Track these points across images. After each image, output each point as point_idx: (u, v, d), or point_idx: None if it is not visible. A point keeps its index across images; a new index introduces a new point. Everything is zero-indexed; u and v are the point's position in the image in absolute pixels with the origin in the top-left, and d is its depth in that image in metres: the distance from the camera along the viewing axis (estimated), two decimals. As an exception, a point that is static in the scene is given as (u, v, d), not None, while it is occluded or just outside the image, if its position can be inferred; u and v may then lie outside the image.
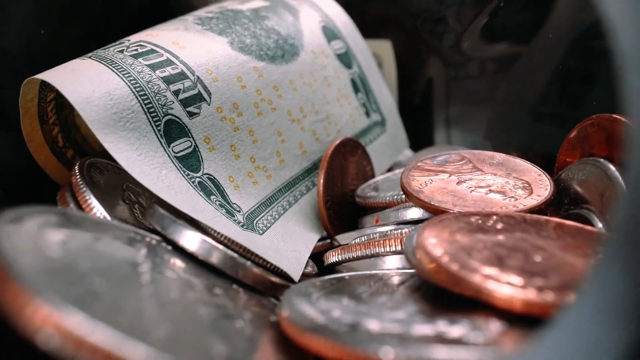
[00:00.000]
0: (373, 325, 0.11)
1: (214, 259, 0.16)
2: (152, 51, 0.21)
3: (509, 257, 0.14)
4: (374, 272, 0.17)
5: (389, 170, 0.30)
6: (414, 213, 0.21)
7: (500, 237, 0.16)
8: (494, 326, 0.11)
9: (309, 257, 0.22)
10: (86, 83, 0.19)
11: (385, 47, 0.37)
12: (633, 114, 0.08)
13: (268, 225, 0.22)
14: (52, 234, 0.11)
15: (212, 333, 0.11)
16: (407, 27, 0.37)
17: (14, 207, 0.17)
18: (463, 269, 0.13)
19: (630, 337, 0.07)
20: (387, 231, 0.20)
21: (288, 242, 0.21)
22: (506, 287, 0.13)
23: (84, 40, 0.33)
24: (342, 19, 0.31)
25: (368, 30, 0.37)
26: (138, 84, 0.20)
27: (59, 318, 0.08)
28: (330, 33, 0.29)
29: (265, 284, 0.16)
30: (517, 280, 0.13)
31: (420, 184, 0.21)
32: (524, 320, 0.12)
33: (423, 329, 0.11)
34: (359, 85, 0.30)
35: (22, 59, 0.29)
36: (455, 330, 0.11)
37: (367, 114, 0.30)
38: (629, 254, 0.08)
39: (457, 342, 0.11)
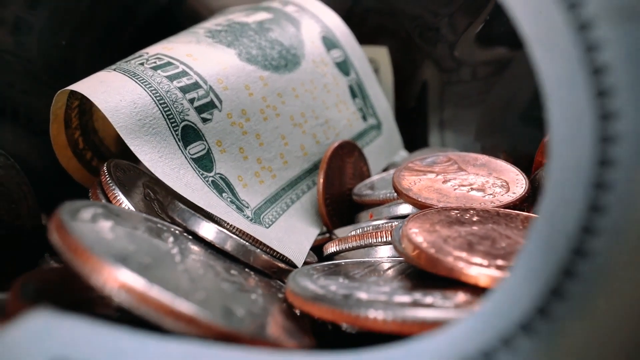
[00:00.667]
0: (363, 295, 0.15)
1: (228, 246, 0.19)
2: (169, 63, 0.25)
3: (478, 243, 0.17)
4: (367, 259, 0.21)
5: (385, 170, 0.33)
6: (405, 209, 0.24)
7: (475, 228, 0.19)
8: (460, 296, 0.15)
9: (310, 250, 0.25)
10: (114, 93, 0.22)
11: (382, 53, 0.41)
12: (550, 122, 0.11)
13: (273, 220, 0.25)
14: (102, 222, 0.15)
15: (234, 300, 0.14)
16: (402, 35, 0.40)
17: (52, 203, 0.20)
18: (438, 252, 0.16)
19: (541, 300, 0.10)
20: (379, 224, 0.23)
21: (291, 235, 0.25)
22: (473, 267, 0.16)
23: (96, 49, 0.37)
24: (340, 29, 0.34)
25: (366, 37, 0.40)
26: (158, 94, 0.23)
27: (126, 281, 0.11)
28: (330, 43, 0.33)
29: (273, 269, 0.20)
30: (483, 261, 0.16)
31: (410, 183, 0.24)
32: (487, 292, 0.15)
33: (403, 298, 0.15)
34: (356, 91, 0.33)
35: (42, 67, 0.33)
36: (428, 299, 0.14)
37: (364, 118, 0.33)
38: (546, 234, 0.11)
39: (428, 306, 0.14)
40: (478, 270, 0.16)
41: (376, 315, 0.13)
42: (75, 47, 0.35)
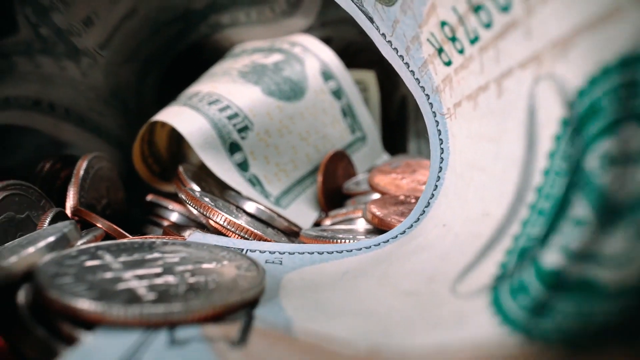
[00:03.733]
0: (340, 235, 0.34)
1: (264, 216, 0.38)
2: (218, 100, 0.44)
3: (408, 212, 0.36)
4: (346, 227, 0.40)
5: (368, 171, 0.52)
6: (376, 197, 0.43)
7: (410, 206, 0.38)
8: (391, 236, 0.34)
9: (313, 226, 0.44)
10: (187, 122, 0.41)
11: (370, 76, 0.60)
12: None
13: (288, 205, 0.44)
14: (204, 197, 0.34)
15: (274, 237, 0.33)
16: (387, 62, 0.59)
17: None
18: (384, 217, 0.35)
19: (414, 221, 0.29)
20: (357, 206, 0.42)
21: (300, 215, 0.44)
22: (400, 223, 0.35)
23: (140, 76, 0.56)
24: (335, 63, 0.53)
25: (358, 63, 0.59)
26: (214, 122, 0.42)
27: (232, 219, 0.31)
28: (327, 75, 0.52)
29: (291, 231, 0.38)
30: (407, 220, 0.35)
31: (379, 180, 0.43)
32: (407, 236, 0.34)
33: (360, 236, 0.33)
34: (347, 112, 0.52)
35: (108, 93, 0.52)
36: (373, 236, 0.33)
37: (353, 132, 0.52)
38: (422, 197, 0.30)
39: (371, 238, 0.33)
40: (403, 225, 0.34)
41: (345, 240, 0.32)
42: (125, 75, 0.54)
